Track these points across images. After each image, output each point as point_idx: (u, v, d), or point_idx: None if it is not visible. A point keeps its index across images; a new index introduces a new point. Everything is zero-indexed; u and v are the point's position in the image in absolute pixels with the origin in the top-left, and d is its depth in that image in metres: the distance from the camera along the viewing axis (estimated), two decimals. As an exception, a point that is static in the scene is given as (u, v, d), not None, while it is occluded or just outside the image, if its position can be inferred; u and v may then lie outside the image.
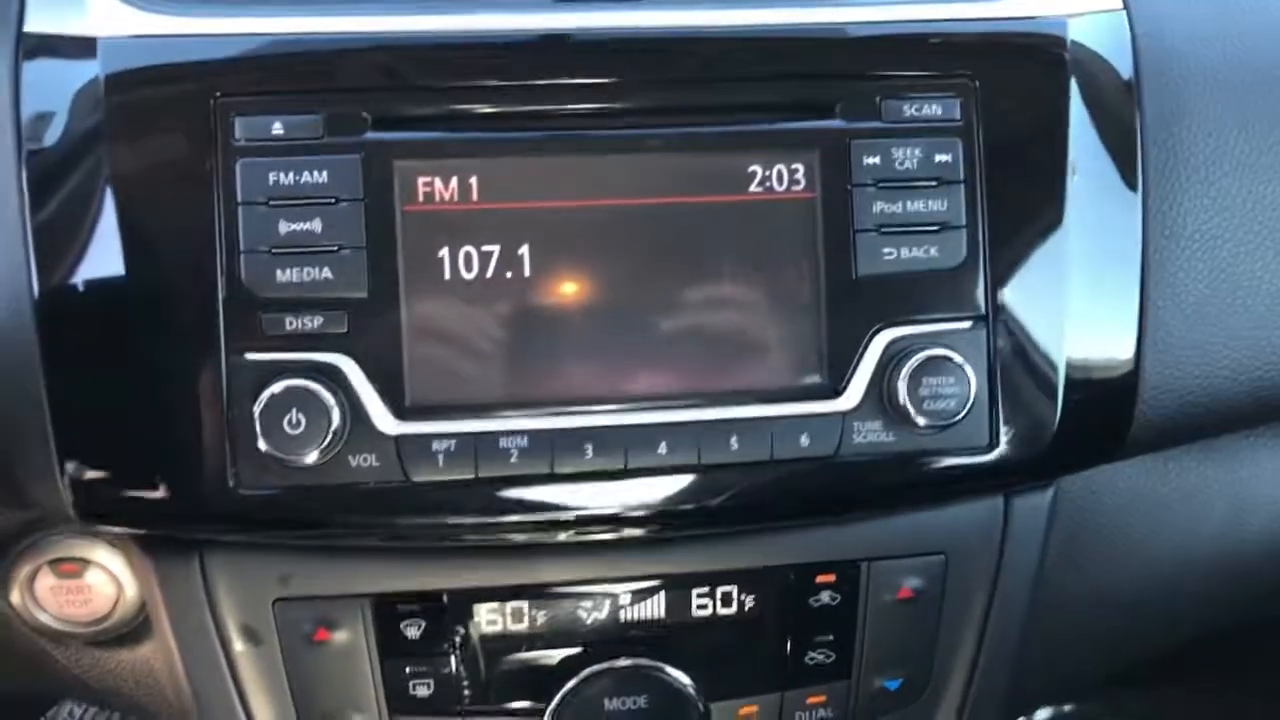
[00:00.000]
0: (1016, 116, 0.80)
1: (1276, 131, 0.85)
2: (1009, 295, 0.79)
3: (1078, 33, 0.81)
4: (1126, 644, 1.05)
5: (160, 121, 0.74)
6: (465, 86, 0.76)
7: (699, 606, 0.87)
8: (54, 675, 0.96)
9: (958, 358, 0.77)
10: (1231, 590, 1.02)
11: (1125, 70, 0.82)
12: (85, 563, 0.89)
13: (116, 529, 0.83)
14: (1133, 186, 0.82)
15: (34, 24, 0.75)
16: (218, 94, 0.73)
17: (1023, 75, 0.80)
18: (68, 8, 0.75)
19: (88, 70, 0.74)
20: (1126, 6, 0.84)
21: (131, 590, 0.89)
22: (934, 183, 0.78)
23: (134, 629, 0.91)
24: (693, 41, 0.77)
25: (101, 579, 0.89)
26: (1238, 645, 1.17)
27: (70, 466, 0.75)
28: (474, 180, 0.75)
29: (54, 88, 0.74)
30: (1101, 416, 0.83)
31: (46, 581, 0.89)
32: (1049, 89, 0.80)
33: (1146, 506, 0.95)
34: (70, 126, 0.74)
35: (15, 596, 0.89)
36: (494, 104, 0.76)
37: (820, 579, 0.87)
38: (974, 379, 0.77)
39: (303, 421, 0.72)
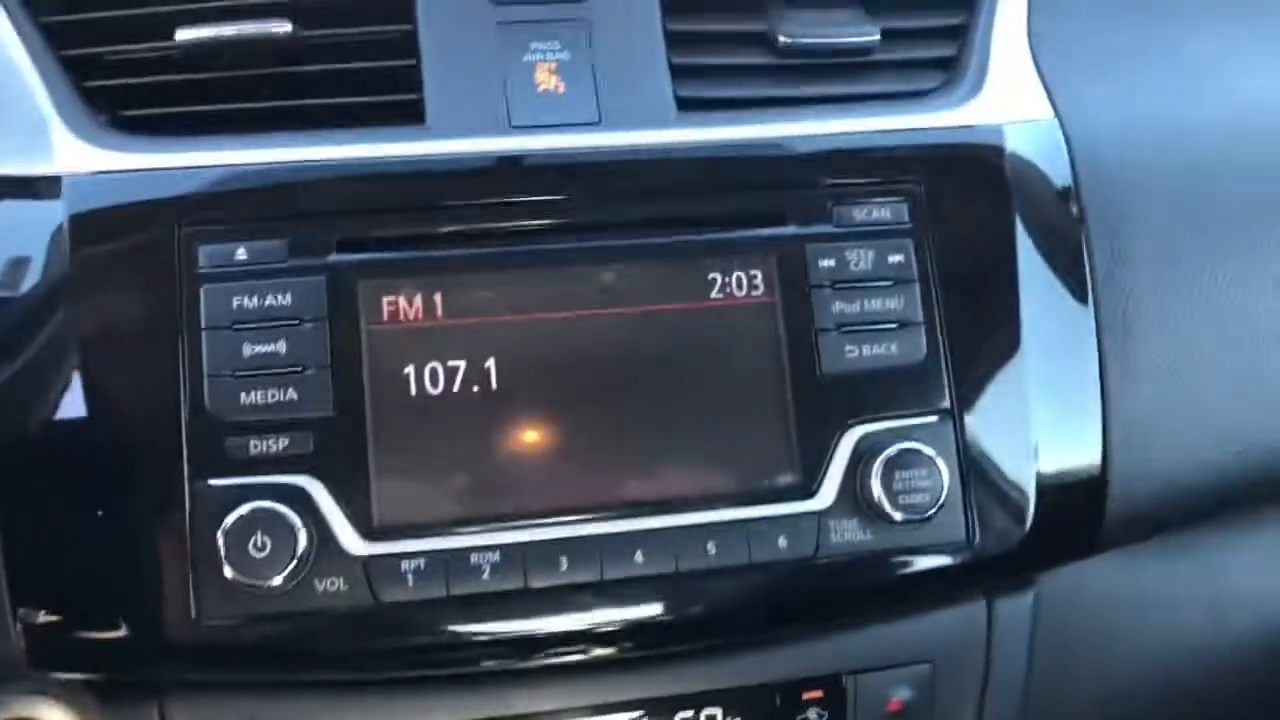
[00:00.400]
0: (963, 219, 0.82)
1: (1214, 226, 0.88)
2: (972, 390, 0.80)
3: (1014, 140, 0.85)
4: None
5: (124, 253, 0.74)
6: (426, 207, 0.77)
7: None
8: None
9: (928, 450, 0.77)
10: (1226, 686, 1.00)
11: (1063, 172, 0.86)
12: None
13: (72, 676, 0.79)
14: (1080, 279, 0.84)
15: None
16: (181, 223, 0.74)
17: (965, 180, 0.84)
18: (32, 148, 0.76)
19: (52, 209, 0.75)
20: (1058, 115, 0.88)
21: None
22: (889, 282, 0.80)
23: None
24: (646, 160, 0.80)
25: (54, 723, 0.85)
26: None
27: (23, 612, 0.72)
28: (438, 297, 0.76)
29: (18, 226, 0.75)
30: (1074, 507, 0.83)
31: (-7, 740, 0.85)
32: (991, 192, 0.83)
33: (1126, 609, 0.95)
34: (33, 264, 0.74)
35: None
36: (456, 224, 0.78)
37: (806, 695, 0.85)
38: (946, 471, 0.77)
39: (268, 544, 0.70)
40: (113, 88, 0.79)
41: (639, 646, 0.80)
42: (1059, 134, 0.87)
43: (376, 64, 0.80)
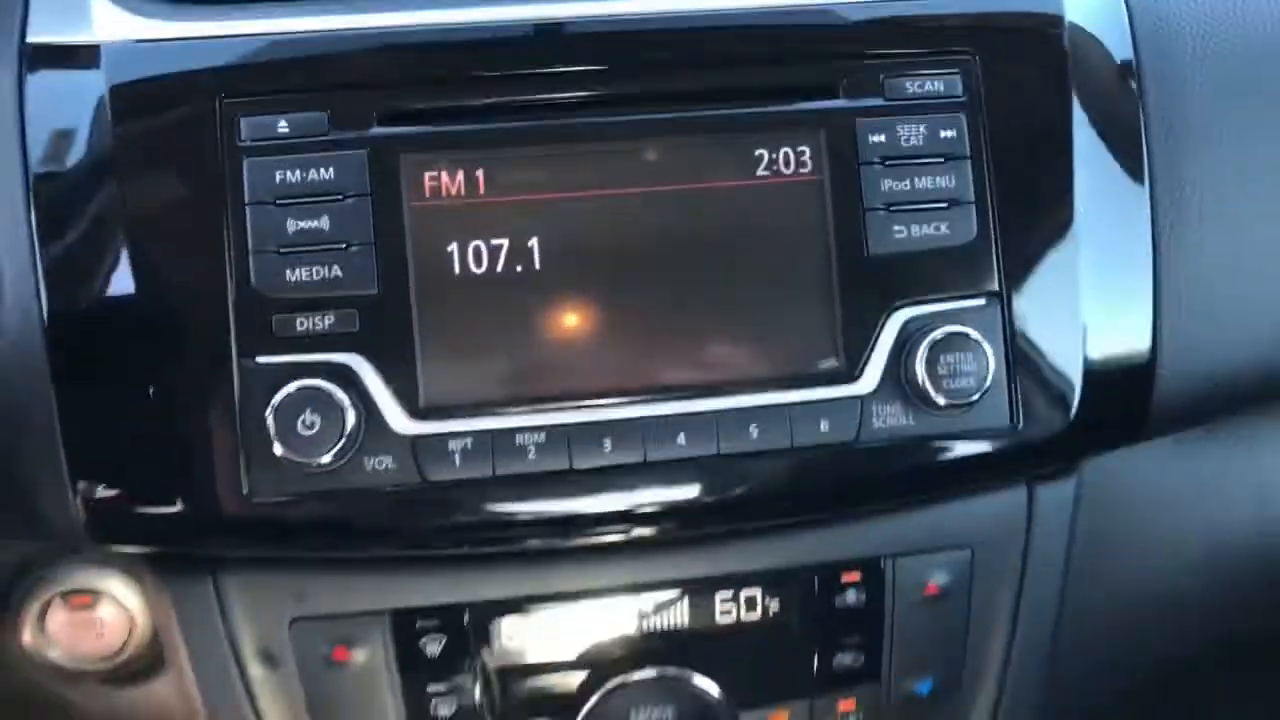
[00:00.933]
0: (1018, 93, 0.80)
1: (1272, 100, 0.85)
2: (1022, 271, 0.79)
3: (1074, 10, 0.82)
4: (1160, 642, 1.03)
5: (166, 126, 0.74)
6: (468, 79, 0.76)
7: (723, 612, 0.85)
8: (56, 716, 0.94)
9: (975, 334, 0.76)
10: (1265, 586, 1.00)
11: (1123, 45, 0.83)
12: (97, 594, 0.87)
13: (130, 549, 0.81)
14: (1137, 158, 0.82)
15: (37, 34, 0.76)
16: (222, 95, 0.74)
17: (1022, 53, 0.81)
18: (71, 17, 0.76)
19: (92, 79, 0.74)
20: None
21: (144, 621, 0.87)
22: (941, 159, 0.78)
23: (148, 663, 0.89)
24: (693, 27, 0.78)
25: (113, 611, 0.88)
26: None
27: (82, 486, 0.74)
28: (480, 173, 0.75)
29: (59, 98, 0.75)
30: (1121, 393, 0.82)
31: (58, 617, 0.88)
32: (1048, 67, 0.81)
33: (1171, 498, 0.94)
34: (76, 137, 0.74)
35: (27, 635, 0.87)
36: (497, 96, 0.76)
37: (845, 578, 0.86)
38: (992, 356, 0.76)
39: (317, 423, 0.71)
40: None
41: (681, 527, 0.81)
42: (1122, 3, 0.84)
43: None
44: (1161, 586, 0.97)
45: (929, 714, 0.89)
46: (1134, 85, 0.82)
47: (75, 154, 0.74)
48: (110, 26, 0.75)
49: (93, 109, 0.74)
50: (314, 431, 0.71)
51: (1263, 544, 0.97)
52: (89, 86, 0.74)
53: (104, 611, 0.88)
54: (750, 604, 0.86)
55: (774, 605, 0.86)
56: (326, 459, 0.72)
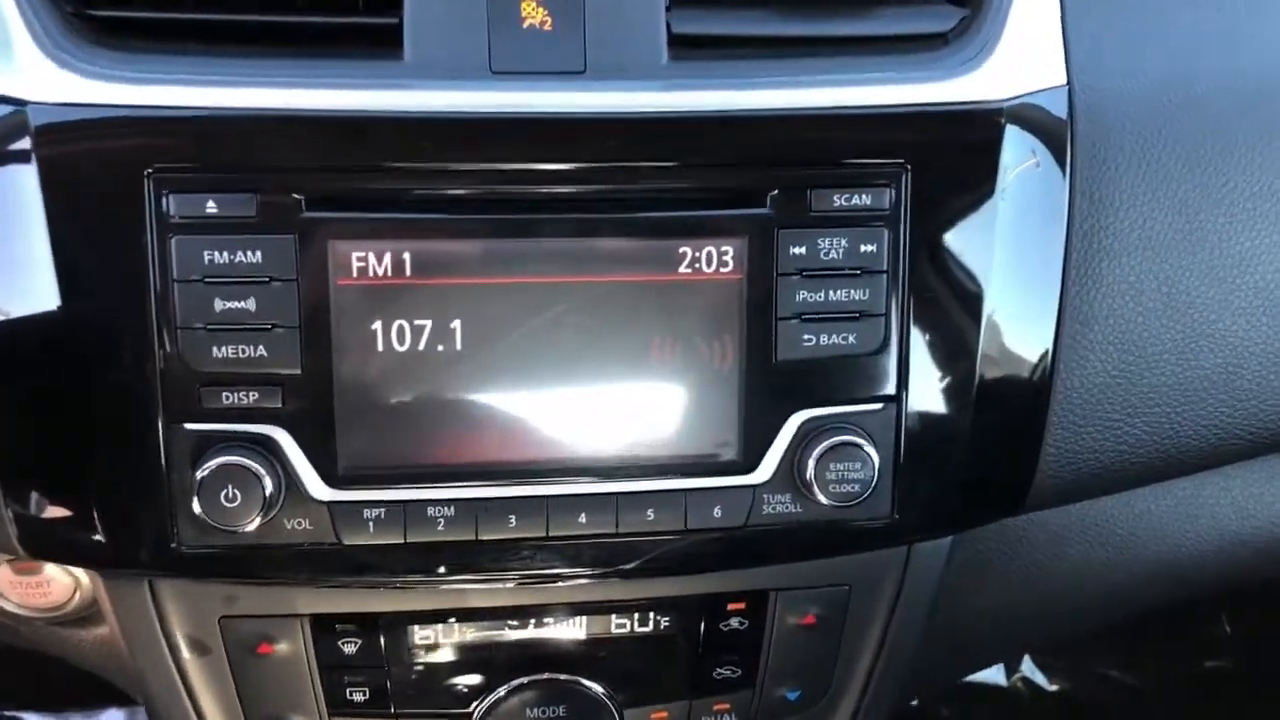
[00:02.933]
0: (946, 204, 0.81)
1: (1203, 211, 0.87)
2: (921, 378, 0.83)
3: (1015, 123, 0.81)
4: (1023, 640, 1.13)
5: (93, 190, 0.74)
6: (400, 168, 0.76)
7: (617, 626, 0.94)
8: (19, 640, 1.03)
9: (865, 445, 0.81)
10: (1120, 609, 1.09)
11: (1060, 154, 0.83)
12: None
13: (61, 564, 0.88)
14: (1053, 270, 0.84)
15: None
16: (150, 169, 0.74)
17: (956, 163, 0.81)
18: None
19: (18, 134, 0.74)
20: (1070, 81, 0.84)
21: (88, 583, 0.95)
22: (857, 272, 0.80)
23: (92, 615, 0.97)
24: (626, 124, 0.77)
25: (59, 573, 0.95)
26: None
27: (15, 511, 0.79)
28: (407, 256, 0.77)
29: None
30: (1000, 487, 0.88)
31: (5, 575, 0.95)
32: (980, 176, 0.81)
33: (1047, 536, 1.02)
34: (4, 183, 0.74)
35: None
36: (429, 184, 0.77)
37: (731, 607, 0.94)
38: (878, 462, 0.81)
39: (238, 496, 0.76)
40: None
41: (578, 589, 0.88)
42: (1065, 104, 0.83)
43: None
44: (1027, 603, 1.07)
45: (796, 714, 1.00)
46: (1064, 195, 0.83)
47: (3, 209, 0.75)
48: (38, 82, 0.73)
49: (20, 169, 0.74)
50: (236, 504, 0.76)
51: (1119, 580, 1.06)
52: (17, 138, 0.73)
53: (50, 572, 0.95)
54: (642, 621, 0.94)
55: (664, 623, 0.95)
56: (249, 528, 0.77)
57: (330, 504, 0.79)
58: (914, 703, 1.53)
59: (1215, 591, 1.15)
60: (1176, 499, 1.03)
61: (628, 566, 0.84)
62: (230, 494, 0.76)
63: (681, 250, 0.79)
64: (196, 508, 0.77)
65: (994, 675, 1.83)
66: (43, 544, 0.81)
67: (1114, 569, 1.04)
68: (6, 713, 1.63)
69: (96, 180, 0.74)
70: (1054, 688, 1.78)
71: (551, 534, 0.81)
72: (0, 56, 0.74)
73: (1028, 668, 1.81)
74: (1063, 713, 1.74)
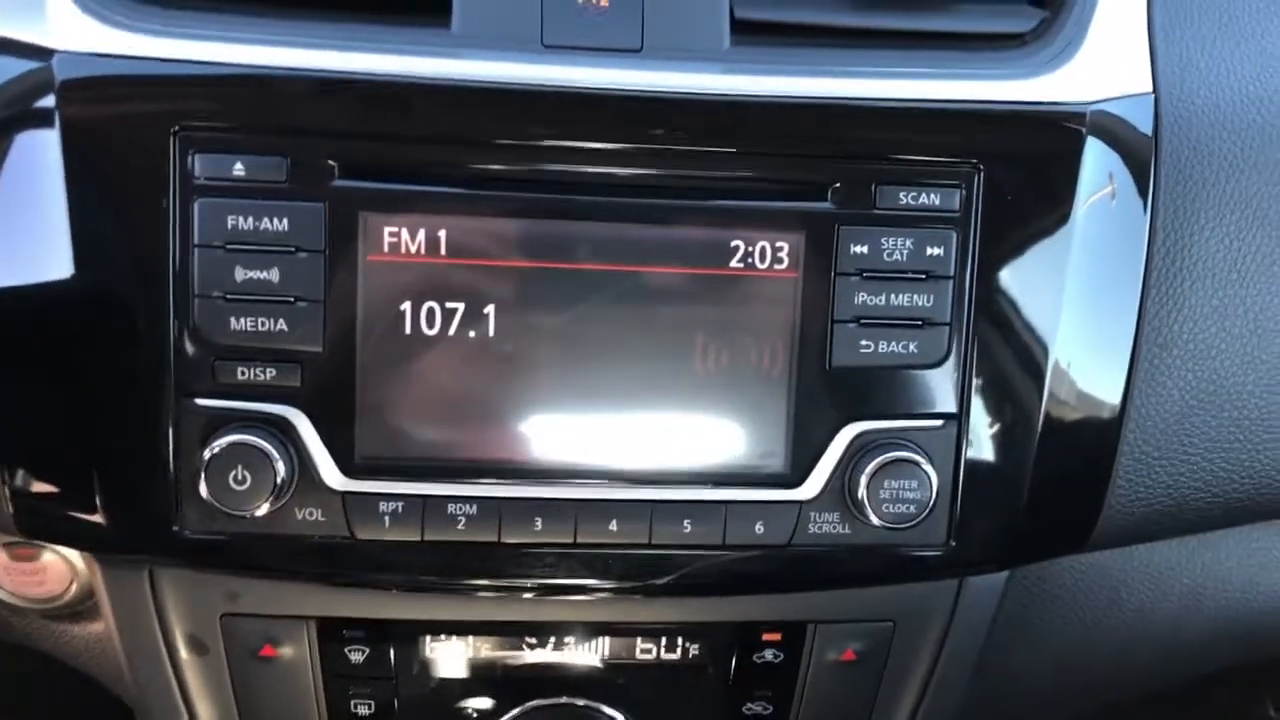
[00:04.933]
0: (1019, 210, 0.76)
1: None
2: (985, 395, 0.77)
3: (1096, 129, 0.76)
4: (1070, 701, 1.06)
5: (116, 147, 0.70)
6: (442, 137, 0.72)
7: (641, 651, 0.88)
8: (8, 635, 0.98)
9: (923, 463, 0.75)
10: (1178, 670, 1.02)
11: (1144, 166, 0.77)
12: (40, 548, 0.89)
13: (59, 546, 0.83)
14: (1131, 290, 0.78)
15: None
16: (177, 126, 0.70)
17: (1032, 166, 0.76)
18: (24, 11, 0.71)
19: (43, 83, 0.70)
20: (1156, 90, 0.78)
21: (84, 573, 0.90)
22: (922, 276, 0.75)
23: (88, 608, 0.92)
24: (684, 105, 0.72)
25: (56, 560, 0.90)
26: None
27: (11, 486, 0.74)
28: (442, 234, 0.72)
29: (10, 97, 0.71)
30: (1065, 519, 0.82)
31: (2, 560, 0.90)
32: (1058, 182, 0.76)
33: (1107, 583, 0.95)
34: (22, 140, 0.70)
35: None
36: (471, 158, 0.72)
37: (766, 637, 0.88)
38: (936, 483, 0.75)
39: (248, 479, 0.71)
40: None
41: (603, 602, 0.82)
42: (1151, 114, 0.78)
43: None
44: (1079, 656, 1.00)
45: None
46: (1146, 210, 0.77)
47: (19, 161, 0.71)
48: (66, 31, 0.70)
49: (42, 116, 0.70)
50: (245, 487, 0.71)
51: (1186, 627, 0.99)
52: (40, 90, 0.70)
53: (47, 559, 0.90)
54: (670, 647, 0.88)
55: (693, 650, 0.88)
56: (257, 513, 0.72)
57: (345, 494, 0.74)
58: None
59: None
60: (1249, 550, 0.96)
61: (658, 582, 0.78)
62: (239, 476, 0.71)
63: (734, 243, 0.74)
64: (203, 489, 0.71)
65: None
66: (39, 523, 0.76)
67: (1177, 624, 0.97)
68: None
69: (120, 137, 0.70)
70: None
71: (579, 540, 0.76)
72: (30, 5, 0.70)
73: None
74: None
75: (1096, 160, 0.76)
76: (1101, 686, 1.04)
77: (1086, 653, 0.98)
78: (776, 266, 0.74)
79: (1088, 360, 0.78)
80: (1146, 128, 0.77)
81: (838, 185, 0.74)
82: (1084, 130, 0.75)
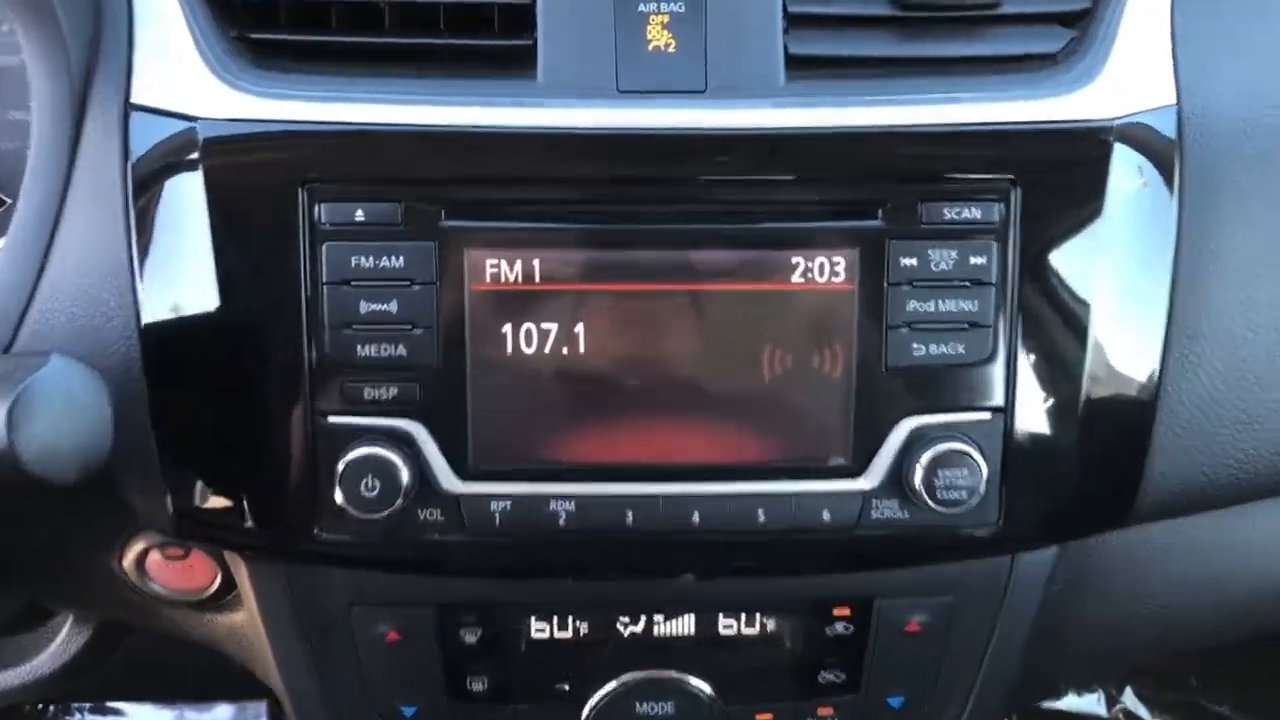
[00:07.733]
0: (1054, 219, 0.83)
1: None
2: (1028, 388, 0.85)
3: (1124, 135, 0.83)
4: (1125, 658, 1.13)
5: (253, 202, 0.81)
6: (531, 179, 0.82)
7: (725, 627, 0.97)
8: (160, 623, 1.10)
9: (973, 452, 0.83)
10: (1226, 629, 1.09)
11: (1170, 170, 0.84)
12: (188, 547, 1.01)
13: (210, 545, 0.94)
14: (1161, 287, 0.85)
15: (139, 95, 0.82)
16: (304, 182, 0.80)
17: (1065, 178, 0.83)
18: (170, 84, 0.81)
19: (188, 147, 0.80)
20: (1179, 101, 0.85)
21: (227, 569, 1.01)
22: (967, 283, 0.83)
23: (231, 600, 1.04)
24: (745, 140, 0.81)
25: (203, 558, 1.02)
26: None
27: (174, 495, 0.86)
28: (536, 263, 0.82)
29: (158, 160, 0.81)
30: (1105, 498, 0.89)
31: (155, 559, 1.02)
32: (1088, 192, 0.83)
33: (1153, 551, 1.02)
34: (173, 199, 0.81)
35: (129, 575, 1.02)
36: (558, 194, 0.82)
37: (837, 612, 0.97)
38: (985, 470, 0.84)
39: (377, 486, 0.82)
40: (241, 10, 0.82)
41: (689, 588, 0.92)
42: (1174, 122, 0.85)
43: None
44: (1130, 618, 1.07)
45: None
46: (1174, 210, 0.84)
47: (172, 213, 0.81)
48: (208, 100, 0.80)
49: (188, 177, 0.81)
50: (374, 494, 0.82)
51: (1230, 594, 1.06)
52: (185, 154, 0.80)
53: (195, 558, 1.02)
54: (749, 622, 0.97)
55: (770, 625, 0.98)
56: (384, 515, 0.83)
57: (460, 496, 0.84)
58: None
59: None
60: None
61: (738, 565, 0.87)
62: (369, 484, 0.82)
63: (795, 260, 0.82)
64: (338, 496, 0.82)
65: (1094, 706, 1.80)
66: (194, 526, 0.88)
67: (1223, 585, 1.04)
68: (109, 703, 1.69)
69: (256, 190, 0.81)
70: (1155, 721, 1.75)
71: (665, 531, 0.85)
72: (174, 77, 0.81)
73: (1130, 700, 1.79)
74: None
75: (1123, 170, 0.83)
76: (1153, 645, 1.11)
77: (1134, 616, 1.05)
78: (834, 280, 0.83)
79: (1122, 352, 0.86)
80: (1170, 135, 0.84)
81: (887, 205, 0.82)
82: (1110, 142, 0.83)
